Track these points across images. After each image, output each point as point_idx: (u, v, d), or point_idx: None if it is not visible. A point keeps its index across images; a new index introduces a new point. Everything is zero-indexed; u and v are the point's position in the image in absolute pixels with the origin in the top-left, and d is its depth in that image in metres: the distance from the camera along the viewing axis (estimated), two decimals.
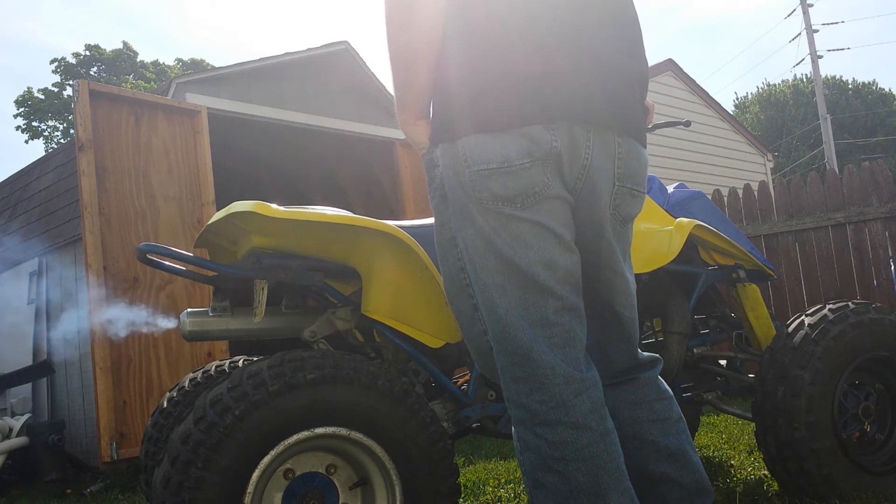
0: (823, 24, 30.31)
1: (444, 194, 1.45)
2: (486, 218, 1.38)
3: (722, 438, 3.67)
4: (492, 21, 1.38)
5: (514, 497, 2.84)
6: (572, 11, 1.40)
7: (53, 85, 25.80)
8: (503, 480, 3.16)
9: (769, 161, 12.23)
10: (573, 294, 1.41)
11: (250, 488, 1.57)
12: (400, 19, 1.39)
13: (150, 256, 1.87)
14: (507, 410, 1.45)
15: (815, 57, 22.03)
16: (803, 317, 2.36)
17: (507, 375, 1.41)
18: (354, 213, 1.93)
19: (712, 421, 4.21)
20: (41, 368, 5.46)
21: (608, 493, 1.33)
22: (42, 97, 25.43)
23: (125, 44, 27.29)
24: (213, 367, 2.39)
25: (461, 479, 3.07)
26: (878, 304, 2.44)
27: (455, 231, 1.46)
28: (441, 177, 1.44)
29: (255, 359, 2.30)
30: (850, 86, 31.42)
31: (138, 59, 27.56)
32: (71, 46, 58.35)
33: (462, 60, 1.40)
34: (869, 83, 31.50)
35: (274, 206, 1.80)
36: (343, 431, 1.67)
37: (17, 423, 4.99)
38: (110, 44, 44.30)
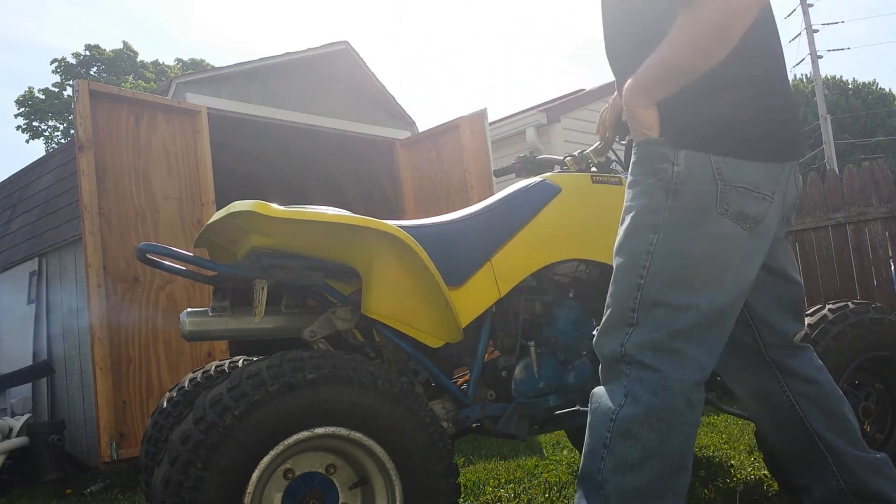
0: (823, 24, 30.36)
1: (675, 190, 1.51)
2: (722, 227, 1.51)
3: (722, 438, 3.67)
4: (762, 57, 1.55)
5: (514, 497, 2.84)
6: (778, 51, 1.61)
7: (54, 85, 25.85)
8: (503, 480, 3.16)
9: None
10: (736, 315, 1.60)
11: (250, 488, 1.57)
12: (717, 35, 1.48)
13: (150, 256, 1.87)
14: (628, 355, 1.51)
15: (815, 57, 22.05)
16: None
17: (691, 328, 1.50)
18: (354, 213, 1.93)
19: (712, 421, 4.21)
20: (41, 368, 5.47)
21: (685, 471, 1.48)
22: (42, 97, 25.46)
23: (125, 44, 27.33)
24: (213, 367, 2.39)
25: (461, 479, 3.06)
26: (878, 304, 2.44)
27: (666, 221, 1.51)
28: (676, 175, 1.51)
29: (255, 359, 2.30)
30: (850, 86, 31.40)
31: (138, 59, 27.59)
32: (71, 46, 58.46)
33: (737, 83, 1.52)
34: (869, 83, 31.48)
35: (274, 205, 1.79)
36: (343, 431, 1.67)
37: (17, 423, 5.00)
38: (110, 44, 44.34)
